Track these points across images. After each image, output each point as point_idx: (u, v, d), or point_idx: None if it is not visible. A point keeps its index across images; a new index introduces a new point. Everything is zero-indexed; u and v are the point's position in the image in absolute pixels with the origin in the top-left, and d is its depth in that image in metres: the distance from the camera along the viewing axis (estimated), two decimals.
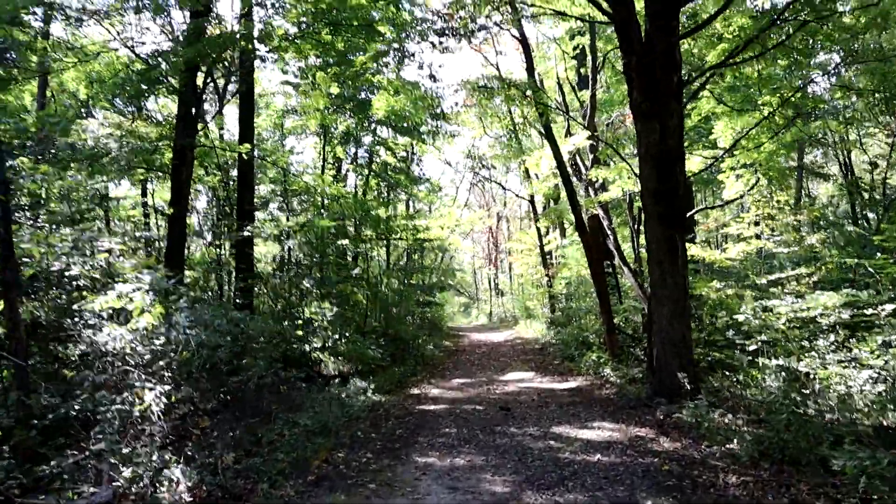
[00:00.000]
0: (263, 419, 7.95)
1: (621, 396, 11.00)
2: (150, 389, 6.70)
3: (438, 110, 19.84)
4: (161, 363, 7.19)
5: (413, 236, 23.19)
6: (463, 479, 6.67)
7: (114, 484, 5.61)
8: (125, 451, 5.88)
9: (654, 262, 10.29)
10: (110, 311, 7.63)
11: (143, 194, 20.64)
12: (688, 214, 12.28)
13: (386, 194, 25.65)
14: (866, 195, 21.94)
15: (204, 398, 7.31)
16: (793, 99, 13.69)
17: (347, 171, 25.62)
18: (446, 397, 12.17)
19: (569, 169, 15.39)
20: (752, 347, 12.30)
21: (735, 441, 7.38)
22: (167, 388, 6.73)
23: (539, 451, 7.59)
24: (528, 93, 12.99)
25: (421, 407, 11.03)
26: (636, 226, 17.50)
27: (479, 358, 19.02)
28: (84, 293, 8.11)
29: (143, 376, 7.01)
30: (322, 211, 19.13)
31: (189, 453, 6.41)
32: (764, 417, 8.54)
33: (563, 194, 20.75)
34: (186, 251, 20.48)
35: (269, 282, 17.85)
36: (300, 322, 16.08)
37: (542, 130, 18.18)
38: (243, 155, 16.33)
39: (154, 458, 6.08)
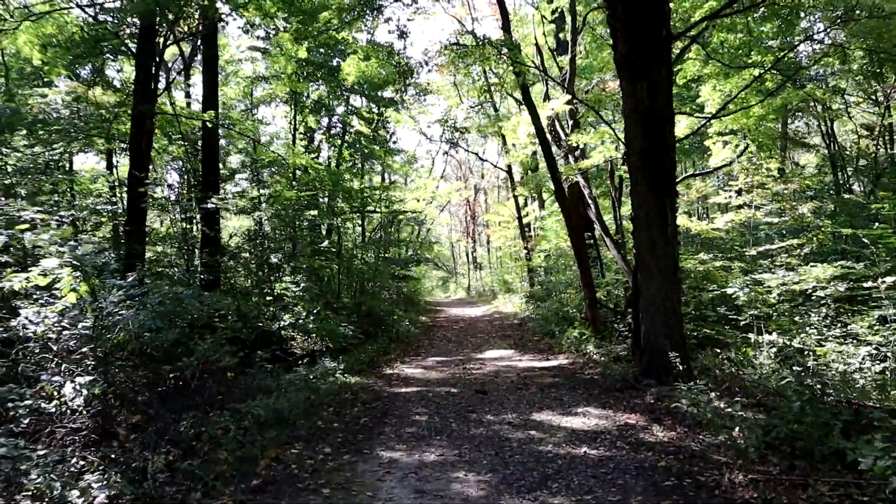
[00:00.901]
0: (210, 410, 6.96)
1: (606, 377, 10.14)
2: (70, 381, 5.69)
3: (409, 71, 18.62)
4: (85, 349, 6.16)
5: (388, 208, 22.16)
6: (432, 479, 5.74)
7: (17, 497, 4.62)
8: (36, 453, 4.89)
9: (642, 230, 9.38)
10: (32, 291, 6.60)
11: (109, 166, 19.48)
12: (678, 180, 11.33)
13: (360, 165, 24.54)
14: (851, 165, 21.22)
15: (135, 389, 6.28)
16: (784, 59, 12.82)
17: (320, 142, 24.50)
18: (420, 378, 11.26)
19: (548, 135, 14.38)
20: (742, 322, 11.55)
21: (737, 430, 6.51)
22: (88, 378, 5.69)
23: (519, 444, 6.69)
24: (504, 51, 11.90)
25: (392, 389, 10.10)
26: (618, 195, 16.63)
27: (457, 334, 18.13)
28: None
29: (65, 365, 6.00)
30: (293, 183, 18.05)
31: (113, 456, 5.42)
32: (766, 402, 7.75)
33: (542, 164, 19.79)
34: (155, 226, 19.37)
35: (238, 256, 16.79)
36: (270, 299, 15.16)
37: (520, 96, 17.18)
38: (207, 123, 15.23)
39: (71, 461, 5.11)
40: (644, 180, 9.37)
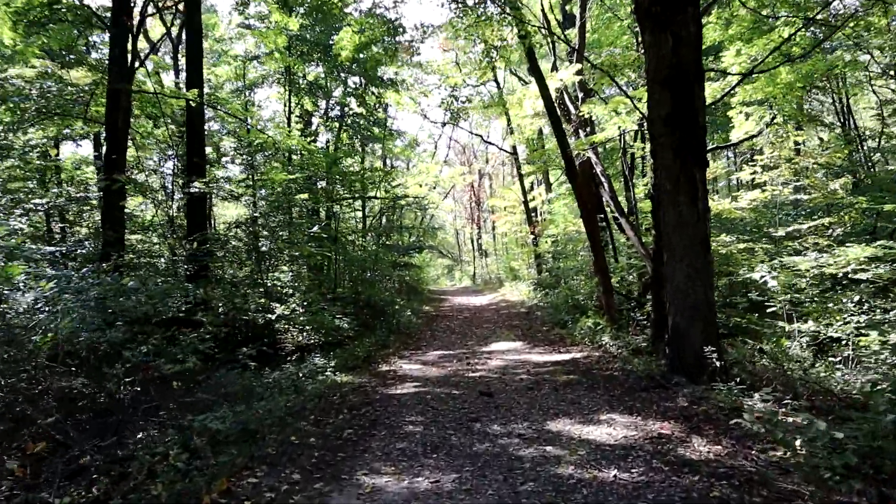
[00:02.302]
0: (149, 429, 5.66)
1: (629, 374, 8.81)
2: None
3: (400, 28, 17.20)
4: None
5: (388, 193, 20.83)
6: None
7: None
8: None
9: (668, 206, 8.03)
10: None
11: (97, 150, 18.31)
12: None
13: (360, 149, 23.19)
14: (869, 142, 19.78)
15: (45, 408, 4.94)
16: (816, 19, 11.41)
17: (318, 126, 23.17)
18: (418, 375, 9.95)
19: (557, 108, 13.00)
20: (770, 310, 10.23)
21: (798, 442, 5.17)
22: None
23: (532, 464, 5.37)
24: (507, 9, 10.51)
25: (386, 390, 8.80)
26: (631, 173, 15.25)
27: (461, 324, 16.80)
28: None
29: None
30: (289, 167, 16.72)
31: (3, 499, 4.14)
32: (820, 404, 6.47)
33: (549, 144, 18.37)
34: (141, 213, 18.06)
35: (226, 245, 15.51)
36: (259, 290, 13.92)
37: (525, 72, 15.80)
38: (191, 102, 13.93)
39: None
40: (670, 148, 8.01)
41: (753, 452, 5.39)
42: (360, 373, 10.38)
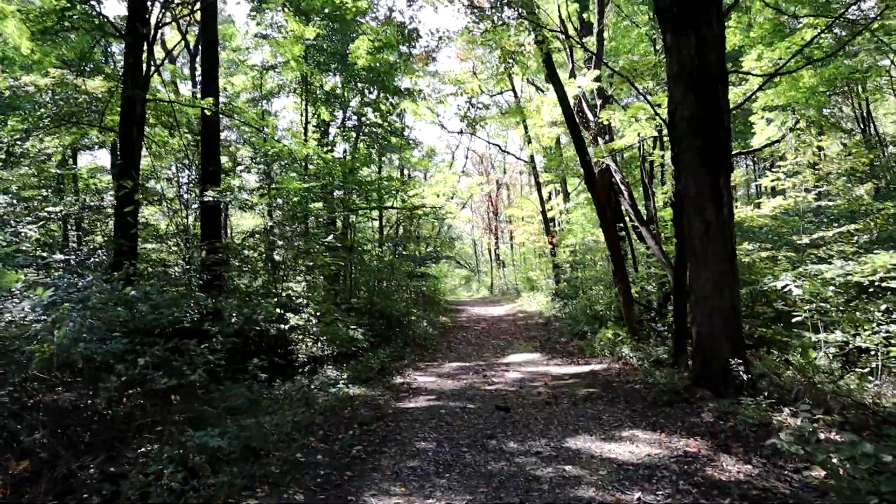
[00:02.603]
0: (142, 446, 5.36)
1: (650, 387, 8.42)
2: None
3: (415, 34, 17.02)
4: None
5: (405, 203, 20.55)
6: None
7: None
8: None
9: (694, 212, 7.67)
10: None
11: (113, 159, 18.27)
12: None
13: (377, 159, 22.96)
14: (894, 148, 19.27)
15: (32, 423, 4.64)
16: (842, 18, 11.03)
17: (335, 136, 22.98)
18: (433, 388, 9.62)
19: (575, 115, 12.66)
20: (796, 319, 9.80)
21: (836, 461, 4.78)
22: None
23: (550, 486, 5.02)
24: (525, 13, 10.22)
25: (399, 404, 8.48)
26: (650, 181, 14.87)
27: (478, 336, 16.45)
28: None
29: None
30: (305, 177, 16.50)
31: None
32: (854, 420, 6.08)
33: (567, 153, 18.03)
34: (157, 223, 17.92)
35: (240, 254, 15.30)
36: (272, 300, 13.68)
37: (542, 80, 15.48)
38: (206, 111, 13.81)
39: None
40: (694, 152, 7.67)
41: (787, 473, 5.02)
42: (373, 385, 10.07)
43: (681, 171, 7.97)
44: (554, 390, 8.81)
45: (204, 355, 8.52)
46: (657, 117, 11.17)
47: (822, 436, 5.43)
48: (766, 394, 6.90)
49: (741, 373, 7.03)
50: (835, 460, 4.70)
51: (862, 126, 20.49)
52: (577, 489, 4.88)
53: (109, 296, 6.29)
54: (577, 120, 12.95)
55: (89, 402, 5.10)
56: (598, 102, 13.63)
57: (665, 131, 11.15)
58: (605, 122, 12.72)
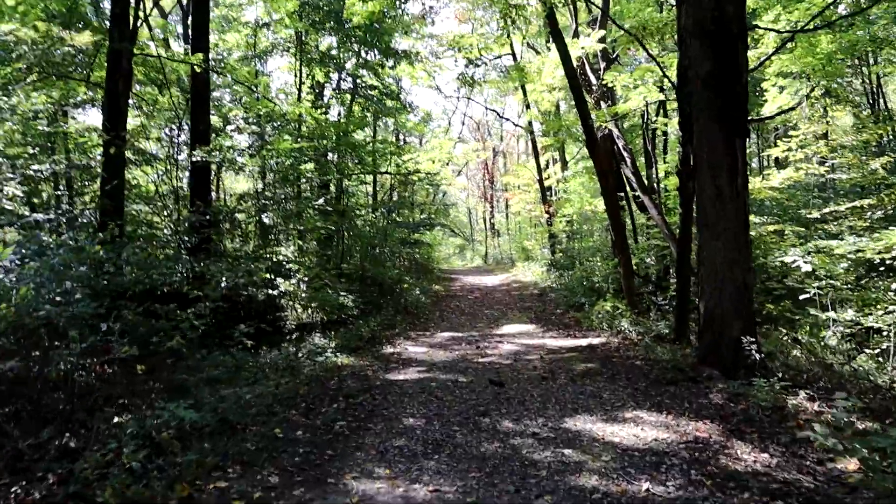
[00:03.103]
0: (118, 416, 4.87)
1: (652, 364, 7.94)
2: None
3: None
4: None
5: (399, 168, 19.93)
6: None
7: None
8: None
9: (707, 179, 7.13)
10: None
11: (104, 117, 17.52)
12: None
13: (372, 122, 22.25)
14: None
15: None
16: None
17: (330, 98, 22.25)
18: (424, 360, 9.15)
19: (577, 75, 12.03)
20: (804, 297, 9.36)
21: (865, 452, 4.31)
22: None
23: (549, 472, 4.54)
24: None
25: (387, 376, 8.00)
26: (652, 149, 14.30)
27: (471, 305, 15.97)
28: None
29: None
30: (298, 139, 15.84)
31: None
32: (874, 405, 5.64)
33: (567, 120, 17.37)
34: (147, 184, 17.27)
35: (229, 216, 14.73)
36: (260, 264, 13.18)
37: (542, 43, 14.78)
38: (196, 67, 13.15)
39: None
40: (710, 114, 7.11)
41: (809, 464, 4.55)
42: (362, 354, 9.60)
43: (693, 133, 7.41)
44: (550, 364, 8.33)
45: (189, 320, 8.04)
46: (665, 79, 10.58)
47: (859, 425, 4.98)
48: (779, 375, 6.44)
49: (753, 352, 6.55)
50: (864, 452, 4.26)
51: (871, 101, 19.88)
52: (578, 477, 4.41)
53: (77, 255, 5.73)
54: (580, 83, 12.33)
55: (44, 371, 4.56)
56: (602, 66, 13.00)
57: (673, 96, 10.55)
58: (610, 85, 12.10)
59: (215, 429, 5.12)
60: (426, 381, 7.56)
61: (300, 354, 9.27)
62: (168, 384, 5.91)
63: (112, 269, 6.60)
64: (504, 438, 5.28)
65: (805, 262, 9.28)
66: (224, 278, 11.03)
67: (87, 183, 15.80)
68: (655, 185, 13.36)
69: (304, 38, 18.96)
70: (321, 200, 14.31)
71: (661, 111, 14.29)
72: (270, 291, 11.64)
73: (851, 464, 4.37)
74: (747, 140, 7.36)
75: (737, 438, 5.09)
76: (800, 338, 8.71)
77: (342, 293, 12.71)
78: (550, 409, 6.15)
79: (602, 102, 12.64)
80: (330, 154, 17.38)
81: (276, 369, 8.40)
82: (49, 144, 14.86)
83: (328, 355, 9.31)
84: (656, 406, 6.09)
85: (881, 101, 19.74)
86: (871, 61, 17.99)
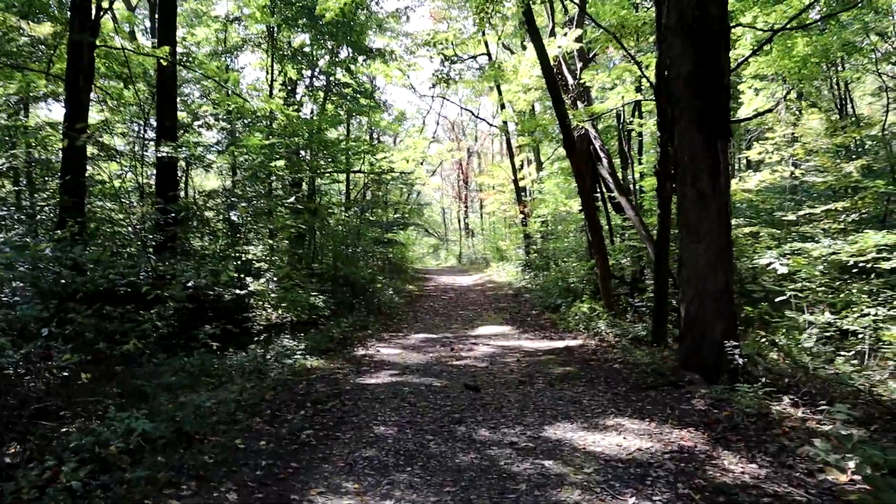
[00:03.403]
0: (66, 426, 4.48)
1: (631, 367, 7.71)
2: None
3: None
4: None
5: (373, 167, 19.56)
6: None
7: None
8: None
9: (688, 180, 6.89)
10: None
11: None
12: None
13: (345, 120, 21.84)
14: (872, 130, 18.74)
15: None
16: None
17: (303, 96, 21.80)
18: (397, 362, 8.83)
19: (554, 75, 11.79)
20: (779, 299, 9.22)
21: (852, 464, 4.09)
22: None
23: (528, 486, 4.24)
24: None
25: (359, 380, 7.66)
26: (628, 150, 14.12)
27: (445, 305, 15.67)
28: None
29: None
30: (270, 135, 15.40)
31: None
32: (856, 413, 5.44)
33: (543, 121, 17.15)
34: (111, 180, 16.72)
35: (196, 214, 14.26)
36: (231, 263, 12.78)
37: (518, 42, 14.53)
38: (161, 60, 12.71)
39: None
40: (691, 115, 6.87)
41: (798, 475, 4.31)
42: (332, 357, 9.26)
43: (674, 134, 7.18)
44: (527, 367, 8.06)
45: (151, 321, 7.66)
46: (643, 79, 10.39)
47: (846, 433, 4.76)
48: (762, 380, 6.22)
49: (736, 356, 6.33)
50: (852, 464, 4.06)
51: (839, 106, 19.95)
52: (559, 491, 4.12)
53: (19, 253, 5.32)
54: (557, 82, 12.10)
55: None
56: (579, 66, 12.78)
57: (650, 95, 10.36)
58: (586, 85, 11.88)
59: (171, 440, 4.75)
60: (399, 385, 7.24)
61: (268, 357, 8.90)
62: (122, 391, 5.51)
63: (61, 268, 6.17)
64: (480, 448, 4.98)
65: (781, 265, 9.14)
66: (191, 278, 10.62)
67: (47, 179, 15.23)
68: (632, 186, 13.17)
69: (275, 34, 18.52)
70: (292, 199, 13.90)
71: (637, 112, 14.13)
72: (238, 291, 11.24)
73: (843, 476, 4.15)
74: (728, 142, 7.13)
75: (723, 447, 4.85)
76: (777, 340, 8.54)
77: (313, 293, 12.35)
78: (529, 415, 5.86)
79: (579, 102, 12.42)
80: (302, 152, 16.97)
81: (242, 373, 8.05)
82: (7, 138, 14.29)
83: (297, 358, 8.97)
84: (638, 412, 5.83)
85: (850, 106, 19.83)
86: (840, 68, 18.06)
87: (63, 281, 6.13)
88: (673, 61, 7.10)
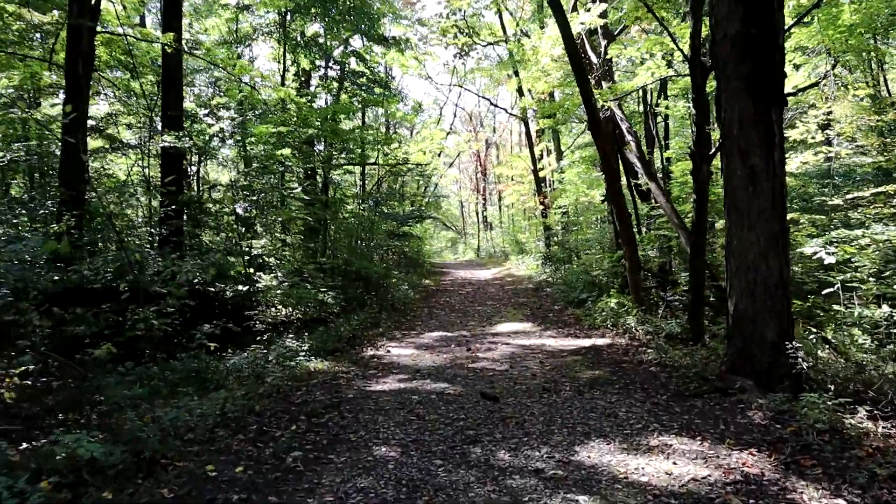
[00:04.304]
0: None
1: (670, 371, 6.73)
2: None
3: None
4: None
5: (386, 157, 18.68)
6: None
7: None
8: None
9: (737, 157, 5.91)
10: None
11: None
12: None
13: (360, 111, 20.97)
14: None
15: None
16: None
17: (317, 87, 20.96)
18: (407, 364, 7.93)
19: (578, 51, 10.78)
20: (826, 291, 8.22)
21: None
22: None
23: None
24: None
25: (363, 385, 6.77)
26: (656, 132, 13.08)
27: (462, 301, 14.73)
28: None
29: None
30: (282, 125, 14.55)
31: None
32: None
33: (565, 99, 16.12)
34: (117, 172, 16.00)
35: (202, 207, 13.50)
36: (237, 259, 12.03)
37: (537, 26, 13.52)
38: (166, 47, 11.98)
39: None
40: (740, 80, 5.88)
41: None
42: (338, 358, 8.39)
43: (720, 105, 6.18)
44: (552, 370, 7.11)
45: (146, 321, 6.94)
46: (675, 54, 9.40)
47: None
48: (831, 388, 5.22)
49: (799, 359, 5.35)
50: None
51: (872, 85, 18.71)
52: None
53: None
54: (581, 59, 11.09)
55: None
56: (603, 43, 11.77)
57: (685, 70, 9.35)
58: (611, 64, 10.88)
59: (127, 468, 3.89)
60: (407, 392, 6.33)
61: (269, 358, 8.07)
62: (76, 407, 4.67)
63: (27, 265, 5.36)
64: (499, 478, 4.05)
65: (828, 254, 8.15)
66: (185, 273, 9.83)
67: (51, 172, 14.59)
68: (663, 169, 12.14)
69: (287, 23, 17.68)
70: (298, 189, 13.04)
71: (663, 94, 13.10)
72: (240, 287, 10.44)
73: None
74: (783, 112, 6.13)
75: (797, 476, 3.89)
76: (829, 337, 7.52)
77: (322, 289, 11.51)
78: (556, 433, 4.91)
79: (603, 82, 11.42)
80: (316, 144, 16.15)
81: (238, 377, 7.23)
82: (12, 132, 13.63)
83: (300, 360, 8.12)
84: (686, 428, 4.86)
85: (885, 86, 18.58)
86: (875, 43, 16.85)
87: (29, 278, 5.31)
88: (718, 22, 6.09)
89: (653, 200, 11.86)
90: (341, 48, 19.56)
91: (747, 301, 5.82)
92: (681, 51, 8.78)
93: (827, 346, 7.20)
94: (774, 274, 5.73)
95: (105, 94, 15.85)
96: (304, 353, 8.37)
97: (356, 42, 20.42)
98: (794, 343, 5.51)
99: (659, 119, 14.43)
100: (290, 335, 9.36)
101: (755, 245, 5.76)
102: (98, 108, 15.30)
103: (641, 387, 6.18)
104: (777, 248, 5.77)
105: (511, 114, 26.32)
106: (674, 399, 5.69)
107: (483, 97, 27.99)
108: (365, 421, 5.36)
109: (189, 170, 14.55)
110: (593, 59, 11.72)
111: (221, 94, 15.00)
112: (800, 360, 5.33)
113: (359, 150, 17.24)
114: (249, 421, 5.28)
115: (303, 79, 20.51)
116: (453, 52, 21.21)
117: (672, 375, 6.49)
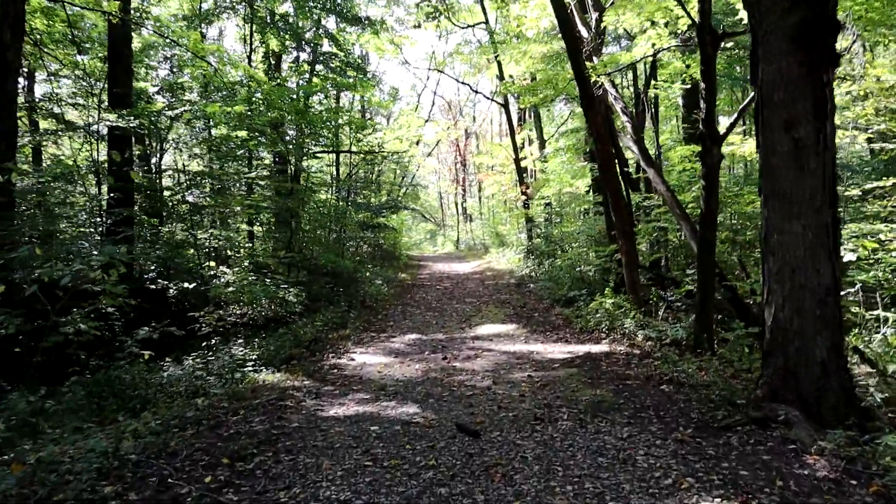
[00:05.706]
0: None
1: (688, 391, 5.46)
2: None
3: None
4: None
5: (361, 144, 17.30)
6: None
7: None
8: None
9: (779, 127, 4.65)
10: None
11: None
12: None
13: (330, 93, 19.51)
14: None
15: None
16: None
17: (287, 72, 19.48)
18: (372, 378, 6.60)
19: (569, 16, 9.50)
20: (844, 292, 7.04)
21: None
22: None
23: None
24: None
25: (314, 408, 5.44)
26: (654, 114, 11.85)
27: (439, 297, 13.39)
28: None
29: None
30: (250, 108, 13.06)
31: None
32: None
33: (551, 73, 14.81)
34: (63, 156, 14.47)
35: (152, 194, 12.05)
36: (196, 252, 10.75)
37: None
38: (112, 18, 10.64)
39: None
40: (785, 34, 4.60)
41: None
42: (293, 369, 7.07)
43: (757, 64, 4.90)
44: (544, 390, 5.80)
45: (73, 323, 5.72)
46: (678, 23, 8.17)
47: None
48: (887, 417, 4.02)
49: (870, 389, 4.12)
50: None
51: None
52: None
53: None
54: (573, 28, 9.80)
55: None
56: (594, 16, 10.51)
57: (695, 38, 8.12)
58: (604, 33, 9.61)
59: None
60: (366, 421, 5.00)
61: (211, 369, 6.76)
62: None
63: None
64: None
65: (848, 250, 7.05)
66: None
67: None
68: (658, 155, 10.91)
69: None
70: (254, 173, 11.66)
71: (653, 77, 11.89)
72: (186, 285, 9.10)
73: None
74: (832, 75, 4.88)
75: None
76: (860, 346, 6.33)
77: (283, 285, 10.17)
78: (558, 491, 3.60)
79: (595, 57, 10.15)
80: (286, 129, 14.74)
81: (170, 394, 5.95)
82: None
83: (248, 371, 6.81)
84: (731, 485, 3.55)
85: None
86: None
87: None
88: None
89: (653, 189, 10.64)
90: (313, 29, 18.14)
91: (791, 311, 4.57)
92: (688, 14, 7.54)
93: (858, 358, 6.01)
94: (826, 277, 4.49)
95: (51, 73, 14.32)
96: (252, 363, 7.05)
97: (330, 24, 19.00)
98: (844, 363, 4.28)
99: (651, 100, 13.24)
100: (240, 340, 8.05)
101: (802, 239, 4.52)
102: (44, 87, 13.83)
103: (657, 414, 4.90)
104: (828, 243, 4.53)
105: (492, 99, 24.94)
106: (701, 434, 4.42)
107: (462, 82, 26.63)
108: (305, 468, 4.02)
109: (151, 156, 13.09)
110: (584, 33, 10.44)
111: (173, 69, 13.55)
112: (870, 388, 4.10)
113: (331, 136, 15.87)
114: (150, 468, 3.94)
115: (272, 61, 19.04)
116: (433, 35, 19.97)
117: (691, 398, 5.23)
